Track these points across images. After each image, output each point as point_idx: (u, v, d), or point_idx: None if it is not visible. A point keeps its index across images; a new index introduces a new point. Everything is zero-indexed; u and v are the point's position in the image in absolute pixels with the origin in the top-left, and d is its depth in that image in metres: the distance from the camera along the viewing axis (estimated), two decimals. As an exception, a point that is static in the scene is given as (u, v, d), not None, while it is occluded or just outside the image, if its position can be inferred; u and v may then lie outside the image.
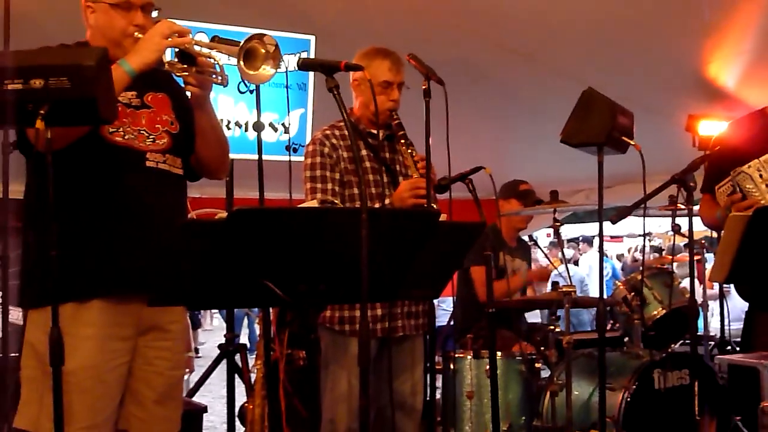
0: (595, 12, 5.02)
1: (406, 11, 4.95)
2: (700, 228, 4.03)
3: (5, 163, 3.93)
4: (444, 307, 6.80)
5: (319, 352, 3.45)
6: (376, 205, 3.36)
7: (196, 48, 2.63)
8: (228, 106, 4.73)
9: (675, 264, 5.02)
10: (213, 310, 14.17)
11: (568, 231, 15.19)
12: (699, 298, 5.32)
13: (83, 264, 2.54)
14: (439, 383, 3.97)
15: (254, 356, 3.73)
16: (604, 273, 3.53)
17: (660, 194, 3.49)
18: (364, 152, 3.47)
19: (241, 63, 2.51)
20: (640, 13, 5.02)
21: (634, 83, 5.50)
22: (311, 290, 2.33)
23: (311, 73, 4.80)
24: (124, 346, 2.62)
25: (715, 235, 4.17)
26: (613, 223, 3.53)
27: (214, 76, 2.65)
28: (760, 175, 3.32)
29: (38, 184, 2.56)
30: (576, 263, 13.15)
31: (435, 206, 3.32)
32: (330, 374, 3.43)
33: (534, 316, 6.39)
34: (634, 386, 3.97)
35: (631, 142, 3.34)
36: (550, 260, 5.65)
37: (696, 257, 5.13)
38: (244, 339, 11.34)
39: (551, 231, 4.98)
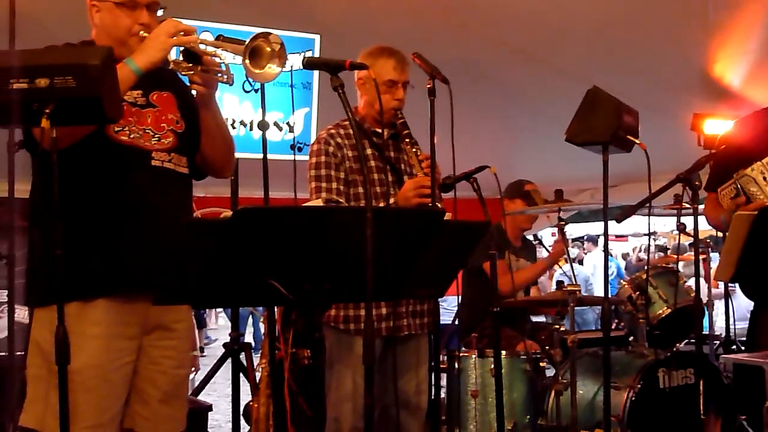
0: (600, 11, 5.01)
1: (410, 11, 4.95)
2: (705, 227, 4.02)
3: (11, 162, 3.94)
4: (445, 306, 6.80)
5: (323, 351, 3.45)
6: (381, 204, 3.36)
7: (202, 47, 2.62)
8: (233, 105, 4.74)
9: (680, 263, 5.02)
10: (218, 309, 14.19)
11: (573, 230, 15.20)
12: (704, 298, 5.33)
13: (89, 263, 2.54)
14: (443, 382, 3.97)
15: (259, 355, 3.73)
16: (609, 272, 3.52)
17: (665, 193, 3.49)
18: (368, 151, 3.47)
19: (247, 61, 2.51)
20: (644, 13, 5.02)
21: (638, 82, 5.48)
22: (316, 289, 2.34)
23: (316, 72, 4.80)
24: (130, 345, 2.62)
25: (720, 234, 4.16)
26: (618, 222, 3.52)
27: (219, 74, 2.65)
28: (764, 178, 3.32)
29: (44, 183, 2.56)
30: (581, 262, 13.16)
31: (440, 205, 3.32)
32: (335, 373, 3.43)
33: (539, 315, 6.37)
34: (639, 385, 3.97)
35: (637, 141, 3.33)
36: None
37: (701, 256, 5.13)
38: (248, 338, 11.35)
39: (556, 230, 4.96)
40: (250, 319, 12.16)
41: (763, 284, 3.41)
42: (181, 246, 2.22)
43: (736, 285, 4.89)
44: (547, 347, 4.26)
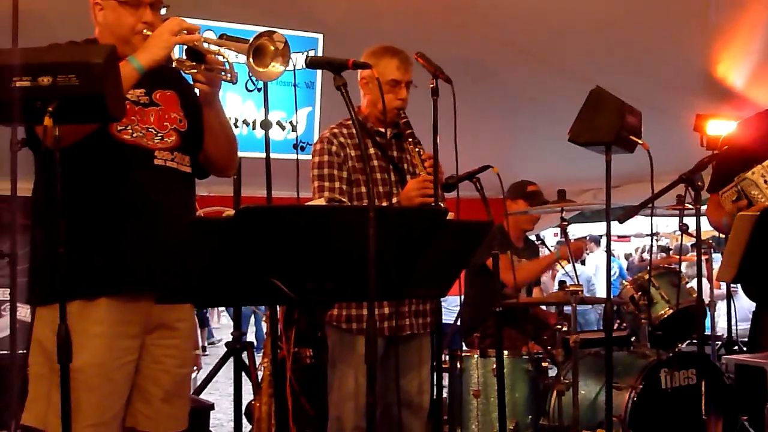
0: (602, 11, 5.01)
1: (413, 10, 4.95)
2: (707, 228, 4.02)
3: (13, 160, 3.95)
4: (446, 306, 6.79)
5: (326, 350, 3.45)
6: (384, 204, 3.36)
7: (205, 45, 2.61)
8: (236, 104, 4.74)
9: (683, 264, 5.01)
10: (221, 308, 14.20)
11: (576, 230, 15.18)
12: (706, 298, 5.33)
13: (91, 261, 2.54)
14: (445, 382, 3.97)
15: (261, 354, 3.73)
16: (612, 272, 3.52)
17: (668, 194, 3.48)
18: (371, 151, 3.47)
19: (251, 60, 2.50)
20: (647, 13, 5.01)
21: (641, 83, 5.49)
22: (318, 288, 2.34)
23: (319, 72, 4.80)
24: (132, 344, 2.62)
25: (722, 235, 4.16)
26: (621, 222, 3.52)
27: (223, 73, 2.64)
28: (765, 181, 3.31)
29: (46, 181, 2.56)
30: (583, 263, 13.12)
31: (442, 205, 3.32)
32: (337, 372, 3.43)
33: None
34: (641, 386, 3.97)
35: (640, 141, 3.32)
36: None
37: (703, 257, 5.13)
38: (251, 337, 11.36)
39: (558, 230, 4.96)
40: (253, 318, 12.16)
41: (766, 285, 3.41)
42: (184, 245, 2.23)
43: (738, 286, 4.89)
44: (549, 347, 4.26)
